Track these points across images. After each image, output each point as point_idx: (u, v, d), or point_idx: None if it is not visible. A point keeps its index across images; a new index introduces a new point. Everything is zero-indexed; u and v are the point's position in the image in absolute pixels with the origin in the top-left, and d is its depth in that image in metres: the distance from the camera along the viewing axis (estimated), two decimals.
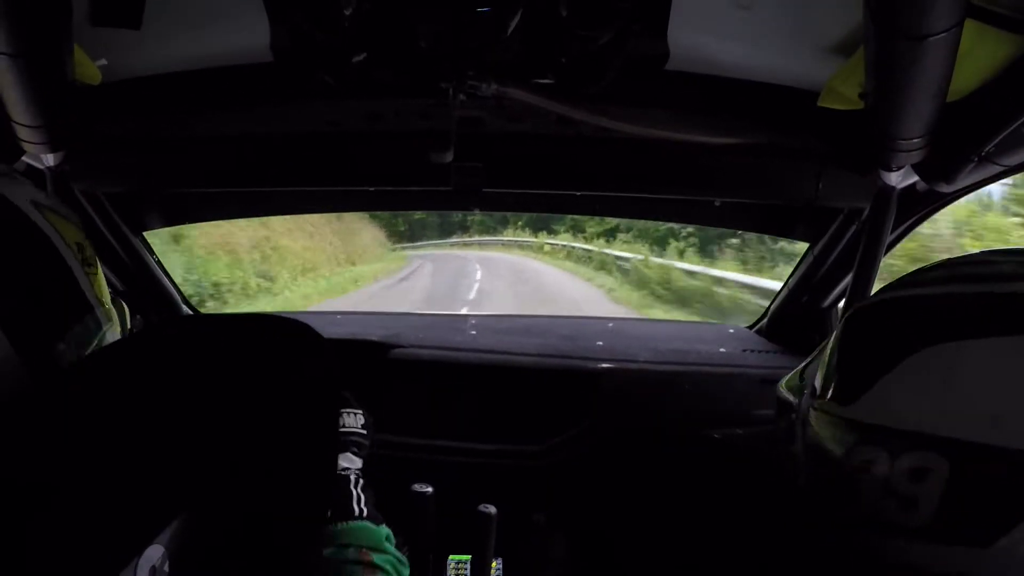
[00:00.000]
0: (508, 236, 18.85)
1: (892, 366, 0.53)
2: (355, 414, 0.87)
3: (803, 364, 0.73)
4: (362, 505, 0.80)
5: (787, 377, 0.78)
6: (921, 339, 0.52)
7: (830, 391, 0.60)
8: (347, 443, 0.85)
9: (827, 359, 0.62)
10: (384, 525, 0.80)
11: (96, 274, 0.72)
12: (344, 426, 0.85)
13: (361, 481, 0.82)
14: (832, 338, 0.64)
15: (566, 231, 16.05)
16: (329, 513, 0.77)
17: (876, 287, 1.18)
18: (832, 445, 0.58)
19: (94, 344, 0.70)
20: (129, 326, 0.85)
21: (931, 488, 0.48)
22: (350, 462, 0.83)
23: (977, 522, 0.47)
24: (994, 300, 0.52)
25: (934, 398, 0.50)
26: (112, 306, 0.76)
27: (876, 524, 0.53)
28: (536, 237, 17.38)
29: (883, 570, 0.53)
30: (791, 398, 0.72)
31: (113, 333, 0.74)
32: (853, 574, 0.58)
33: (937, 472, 0.48)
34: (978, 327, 0.50)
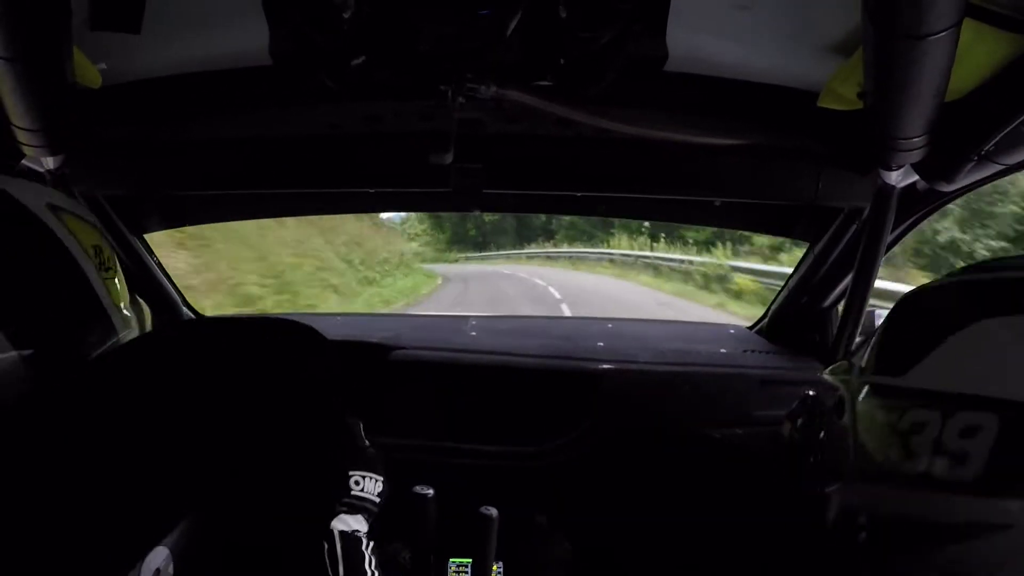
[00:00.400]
0: (608, 247, 14.62)
1: (942, 339, 0.57)
2: (375, 480, 0.87)
3: (849, 353, 0.80)
4: (373, 568, 0.81)
5: (832, 367, 0.83)
6: (968, 315, 0.56)
7: (882, 365, 0.64)
8: (361, 508, 0.85)
9: (880, 338, 0.67)
10: None
11: (113, 278, 0.72)
12: (363, 490, 0.86)
13: (371, 544, 0.83)
14: (882, 323, 0.68)
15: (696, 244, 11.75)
16: (342, 573, 0.78)
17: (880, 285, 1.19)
18: (885, 413, 0.62)
19: (107, 348, 0.70)
20: (148, 328, 0.85)
21: (981, 444, 0.51)
22: (360, 524, 0.84)
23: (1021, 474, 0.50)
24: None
25: (982, 365, 0.55)
26: (130, 310, 0.76)
27: (928, 481, 0.55)
28: (646, 247, 13.36)
29: (935, 527, 0.57)
30: (838, 382, 0.76)
31: (129, 338, 0.74)
32: (852, 574, 0.59)
33: (987, 428, 0.51)
34: (1018, 304, 0.55)
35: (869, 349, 0.70)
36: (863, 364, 0.70)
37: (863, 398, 0.67)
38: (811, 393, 1.10)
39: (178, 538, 0.54)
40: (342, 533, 0.81)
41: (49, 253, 0.65)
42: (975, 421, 0.52)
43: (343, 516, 0.82)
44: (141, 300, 0.95)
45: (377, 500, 0.87)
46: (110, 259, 0.71)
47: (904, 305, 0.67)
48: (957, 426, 0.53)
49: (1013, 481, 0.50)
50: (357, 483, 0.85)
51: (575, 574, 1.48)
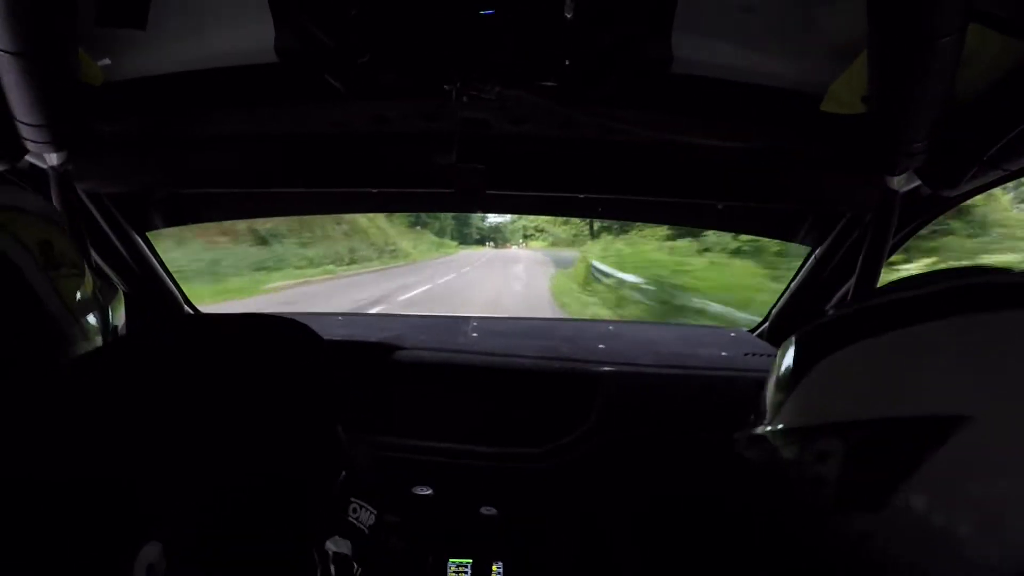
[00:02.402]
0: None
1: (800, 379, 0.64)
2: (370, 512, 0.90)
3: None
4: None
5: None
6: (814, 356, 0.63)
7: (762, 417, 0.71)
8: (354, 533, 0.87)
9: (764, 392, 0.73)
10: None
11: (69, 275, 0.67)
12: (359, 520, 0.88)
13: (360, 569, 0.85)
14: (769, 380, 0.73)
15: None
16: None
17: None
18: (763, 460, 0.70)
19: (65, 349, 0.66)
20: (113, 323, 0.81)
21: (831, 467, 0.58)
22: (348, 550, 0.86)
23: (867, 489, 0.55)
24: (855, 317, 0.64)
25: (828, 393, 0.61)
26: (97, 299, 0.72)
27: (802, 510, 0.63)
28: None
29: (816, 550, 0.63)
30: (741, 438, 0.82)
31: (91, 337, 0.70)
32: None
33: (834, 452, 0.58)
34: (847, 337, 0.61)
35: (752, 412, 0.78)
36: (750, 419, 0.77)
37: (747, 451, 0.76)
38: None
39: (171, 534, 0.54)
40: (336, 554, 0.83)
41: None
42: (825, 448, 0.59)
43: (337, 539, 0.84)
44: (113, 287, 0.92)
45: (367, 532, 0.90)
46: (63, 254, 0.65)
47: (779, 358, 0.72)
48: (811, 454, 0.60)
49: (862, 494, 0.56)
50: (355, 511, 0.88)
51: (575, 574, 1.48)
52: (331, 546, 0.83)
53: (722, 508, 1.35)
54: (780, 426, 0.65)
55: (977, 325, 0.53)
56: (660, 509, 1.44)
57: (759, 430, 0.71)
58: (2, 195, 0.64)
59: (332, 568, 0.80)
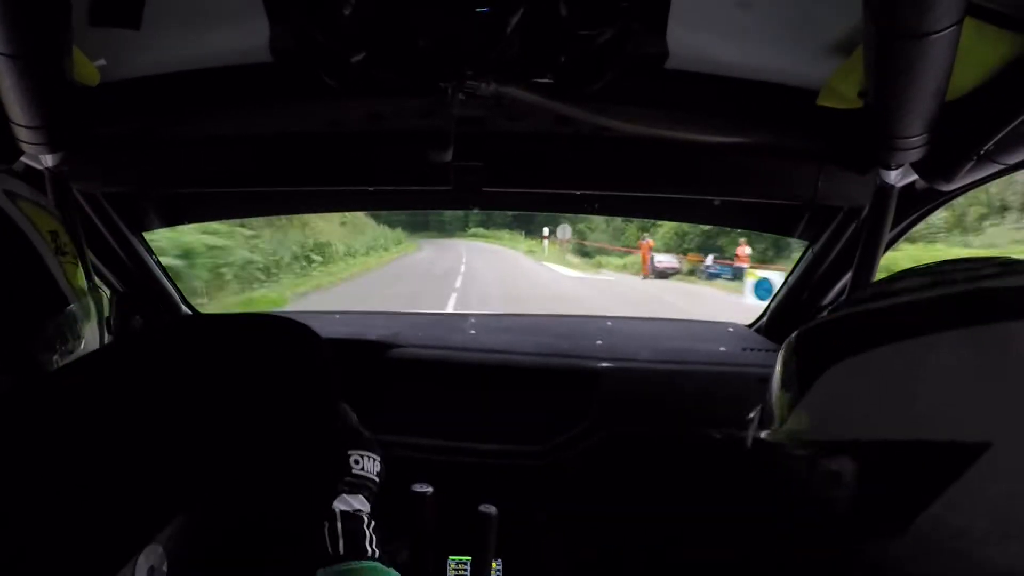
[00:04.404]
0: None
1: (810, 385, 0.59)
2: (373, 459, 0.88)
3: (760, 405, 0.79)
4: (374, 546, 0.80)
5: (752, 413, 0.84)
6: (829, 357, 0.58)
7: (770, 419, 0.67)
8: (362, 487, 0.85)
9: (772, 389, 0.69)
10: (393, 568, 0.81)
11: (72, 263, 0.73)
12: (363, 469, 0.86)
13: (373, 523, 0.83)
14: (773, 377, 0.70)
15: None
16: (343, 551, 0.78)
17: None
18: (769, 467, 0.66)
19: (69, 333, 0.71)
20: (107, 314, 0.86)
21: (844, 489, 0.54)
22: (362, 504, 0.84)
23: (885, 515, 0.52)
24: (865, 319, 0.60)
25: (839, 408, 0.56)
26: (89, 294, 0.77)
27: (808, 528, 0.59)
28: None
29: (824, 569, 0.60)
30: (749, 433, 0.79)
31: (90, 323, 0.75)
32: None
33: (847, 473, 0.54)
34: (860, 343, 0.56)
35: (760, 406, 0.74)
36: (757, 419, 0.73)
37: (754, 452, 0.73)
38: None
39: (172, 537, 0.54)
40: (343, 512, 0.81)
41: (7, 237, 0.66)
42: (836, 467, 0.55)
43: (344, 496, 0.82)
44: (101, 285, 0.96)
45: (376, 479, 0.87)
46: (67, 244, 0.73)
47: (784, 354, 0.68)
48: (822, 474, 0.56)
49: (875, 521, 0.53)
50: (356, 462, 0.86)
51: (574, 572, 1.48)
52: (339, 505, 0.81)
53: (723, 506, 1.35)
54: (790, 435, 0.62)
55: (994, 338, 0.50)
56: (660, 504, 1.44)
57: (768, 435, 0.68)
58: (19, 187, 0.70)
59: (340, 529, 0.79)
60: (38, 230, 0.68)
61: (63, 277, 0.71)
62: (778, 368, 0.68)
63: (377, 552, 0.80)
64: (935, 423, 0.50)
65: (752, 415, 0.79)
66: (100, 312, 0.80)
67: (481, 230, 31.34)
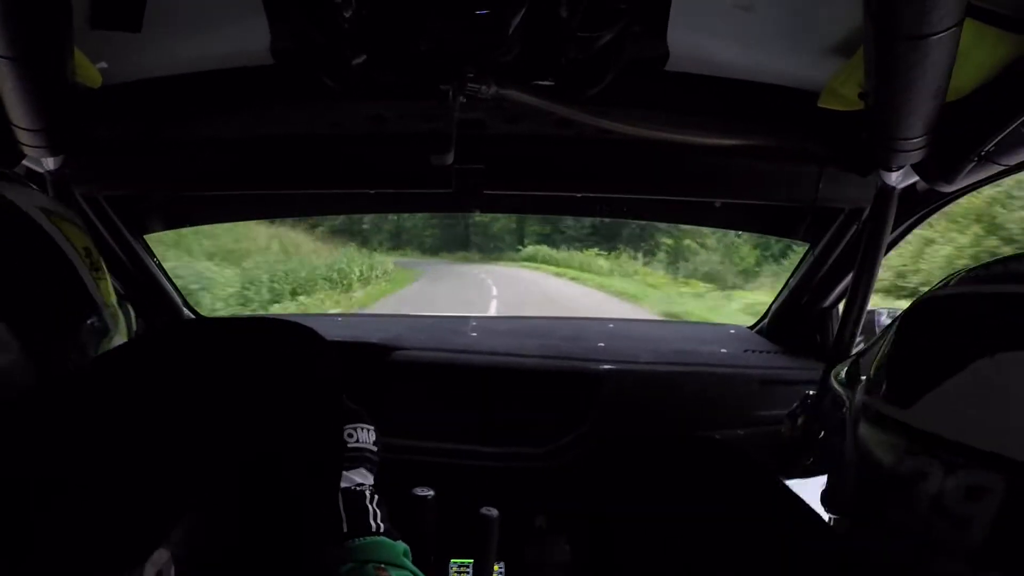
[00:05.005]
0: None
1: (957, 370, 0.48)
2: (367, 429, 0.87)
3: (858, 352, 0.69)
4: (379, 520, 0.79)
5: (840, 366, 0.73)
6: (992, 343, 0.47)
7: (887, 389, 0.56)
8: (360, 459, 0.84)
9: (887, 350, 0.58)
10: (401, 541, 0.80)
11: (103, 279, 0.74)
12: (357, 442, 0.85)
13: (376, 496, 0.82)
14: (894, 326, 0.59)
15: None
16: (346, 528, 0.77)
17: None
18: (885, 449, 0.54)
19: (101, 347, 0.71)
20: (134, 327, 0.87)
21: (986, 509, 0.45)
22: (364, 478, 0.83)
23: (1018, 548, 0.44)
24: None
25: (998, 411, 0.46)
26: (118, 310, 0.77)
27: (925, 538, 0.49)
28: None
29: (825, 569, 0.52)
30: (842, 391, 0.68)
31: (120, 336, 0.75)
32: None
33: (994, 492, 0.44)
34: (1015, 338, 0.46)
35: (876, 361, 0.61)
36: (870, 375, 0.61)
37: (864, 422, 0.58)
38: (811, 393, 1.11)
39: (180, 540, 0.54)
40: (344, 490, 0.80)
41: (47, 255, 0.67)
42: (980, 481, 0.45)
43: (344, 473, 0.81)
44: (127, 302, 0.96)
45: (374, 448, 0.86)
46: (98, 261, 0.74)
47: (913, 317, 0.58)
48: (960, 484, 0.46)
49: (1012, 553, 0.44)
50: (351, 436, 0.85)
51: (576, 574, 1.48)
52: (340, 484, 0.80)
53: (724, 506, 1.35)
54: (919, 421, 0.51)
55: None
56: (661, 507, 1.44)
57: (882, 407, 0.55)
58: (51, 203, 0.70)
59: (342, 507, 0.78)
60: (73, 246, 0.69)
61: (97, 292, 0.71)
62: (896, 336, 0.57)
63: (382, 527, 0.79)
64: None
65: (842, 373, 0.67)
66: (129, 327, 0.81)
67: (544, 249, 18.69)
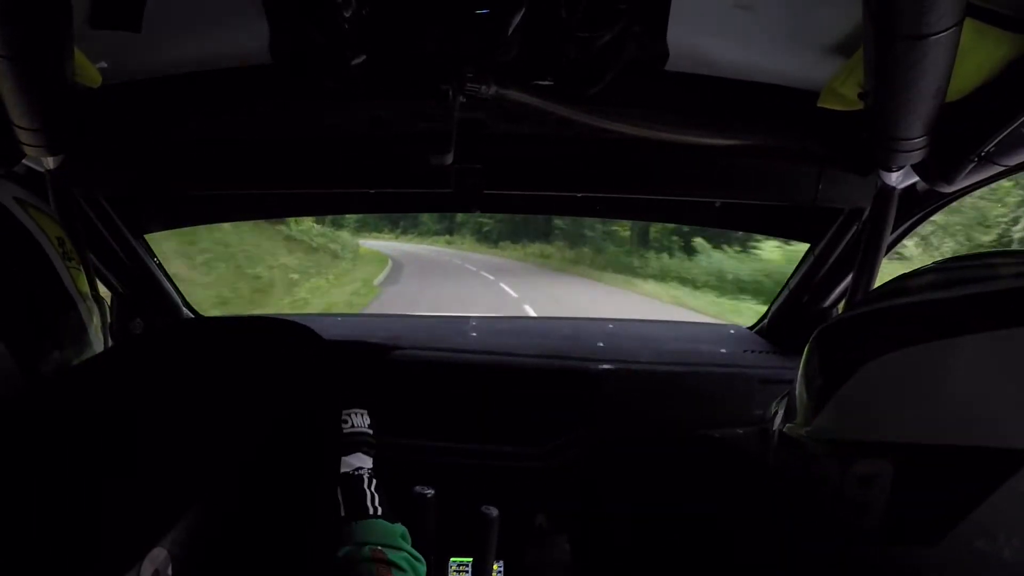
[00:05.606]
0: None
1: (846, 379, 0.56)
2: (360, 414, 0.88)
3: (784, 393, 0.76)
4: (376, 504, 0.80)
5: (775, 402, 0.81)
6: (862, 354, 0.56)
7: (795, 413, 0.64)
8: (357, 443, 0.85)
9: (796, 382, 0.66)
10: (399, 523, 0.80)
11: (76, 268, 0.74)
12: (353, 426, 0.86)
13: (374, 480, 0.82)
14: (799, 372, 0.67)
15: None
16: (344, 512, 0.78)
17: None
18: (797, 464, 0.63)
19: (78, 338, 0.72)
20: (110, 320, 0.88)
21: (878, 492, 0.52)
22: (362, 462, 0.84)
23: (923, 521, 0.50)
24: (914, 310, 0.57)
25: (875, 408, 0.54)
26: (92, 299, 0.78)
27: (838, 531, 0.56)
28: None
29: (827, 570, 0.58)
30: (773, 424, 0.75)
31: (95, 329, 0.76)
32: None
33: (882, 476, 0.52)
34: (902, 338, 0.54)
35: (786, 397, 0.70)
36: (782, 409, 0.70)
37: (782, 446, 0.67)
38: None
39: (177, 539, 0.54)
40: (343, 475, 0.81)
41: (20, 244, 0.68)
42: (871, 470, 0.53)
43: (343, 459, 0.83)
44: (103, 289, 0.96)
45: (370, 431, 0.87)
46: (72, 250, 0.75)
47: (810, 346, 0.66)
48: (854, 474, 0.54)
49: (911, 528, 0.51)
50: (345, 421, 0.86)
51: (575, 574, 1.48)
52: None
53: (724, 508, 1.35)
54: (816, 433, 0.59)
55: None
56: (661, 506, 1.44)
57: (791, 429, 0.64)
58: (26, 194, 0.71)
59: (339, 492, 0.79)
60: (47, 236, 0.70)
61: (71, 282, 0.72)
62: (802, 367, 0.65)
63: (380, 510, 0.80)
64: (972, 426, 0.49)
65: (773, 409, 0.77)
66: (103, 316, 0.81)
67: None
